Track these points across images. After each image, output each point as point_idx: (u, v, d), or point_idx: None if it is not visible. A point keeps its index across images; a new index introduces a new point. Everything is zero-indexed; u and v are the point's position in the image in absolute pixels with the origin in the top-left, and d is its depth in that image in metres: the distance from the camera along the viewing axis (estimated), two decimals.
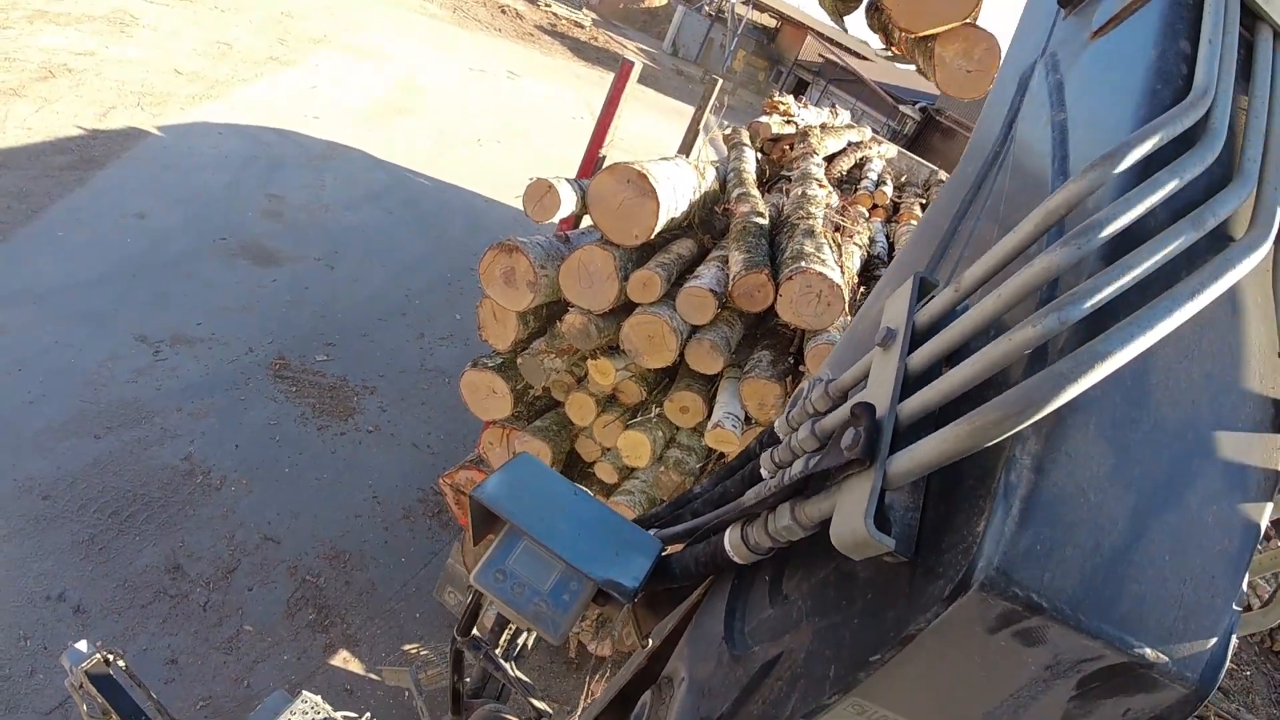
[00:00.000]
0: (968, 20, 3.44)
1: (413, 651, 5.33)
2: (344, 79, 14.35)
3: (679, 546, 1.60)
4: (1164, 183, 0.85)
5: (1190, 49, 1.03)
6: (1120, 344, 0.77)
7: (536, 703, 2.03)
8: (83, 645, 2.74)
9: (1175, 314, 0.81)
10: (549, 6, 30.44)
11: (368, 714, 3.49)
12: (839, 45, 33.09)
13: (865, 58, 34.10)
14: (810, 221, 3.84)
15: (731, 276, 3.42)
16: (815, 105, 9.68)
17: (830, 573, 1.06)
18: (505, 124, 16.07)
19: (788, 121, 7.90)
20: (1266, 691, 9.97)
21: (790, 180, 5.30)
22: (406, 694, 4.78)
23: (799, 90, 31.09)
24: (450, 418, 7.52)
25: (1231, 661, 9.90)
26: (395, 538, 6.13)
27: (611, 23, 34.73)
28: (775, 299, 3.28)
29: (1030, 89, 1.32)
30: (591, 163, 4.39)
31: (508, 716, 2.29)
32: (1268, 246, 0.90)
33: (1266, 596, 1.04)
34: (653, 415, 3.69)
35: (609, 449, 3.96)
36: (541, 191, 3.43)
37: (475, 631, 1.98)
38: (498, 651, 2.08)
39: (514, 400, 3.89)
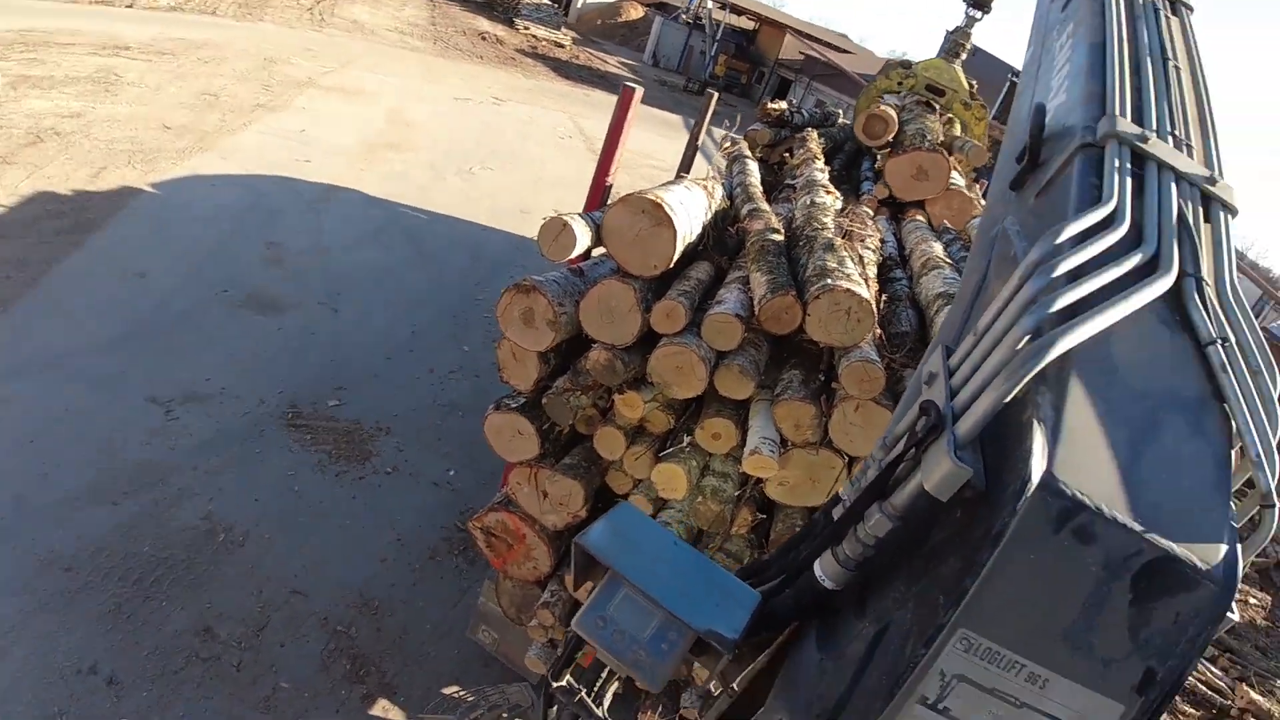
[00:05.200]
0: (944, 189, 5.10)
1: (453, 695, 5.24)
2: (332, 120, 14.35)
3: None
4: (1091, 243, 1.34)
5: (1099, 183, 1.52)
6: (1085, 321, 1.20)
7: None
8: None
9: (1116, 309, 1.25)
10: (528, 29, 30.55)
11: None
12: (818, 40, 33.13)
13: (844, 50, 34.13)
14: (826, 234, 3.76)
15: (757, 300, 3.35)
16: (800, 103, 9.68)
17: (916, 561, 1.29)
18: (495, 150, 16.06)
19: (783, 125, 7.86)
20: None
21: (795, 189, 5.24)
22: None
23: (783, 90, 31.13)
24: (467, 452, 7.44)
25: None
26: (423, 579, 6.05)
27: (591, 39, 34.85)
28: (804, 319, 3.21)
29: (998, 242, 1.82)
30: (599, 193, 4.32)
31: None
32: (1169, 279, 1.38)
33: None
34: (685, 445, 3.61)
35: (641, 480, 3.88)
36: (556, 230, 3.36)
37: (570, 676, 1.95)
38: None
39: (540, 440, 3.81)
